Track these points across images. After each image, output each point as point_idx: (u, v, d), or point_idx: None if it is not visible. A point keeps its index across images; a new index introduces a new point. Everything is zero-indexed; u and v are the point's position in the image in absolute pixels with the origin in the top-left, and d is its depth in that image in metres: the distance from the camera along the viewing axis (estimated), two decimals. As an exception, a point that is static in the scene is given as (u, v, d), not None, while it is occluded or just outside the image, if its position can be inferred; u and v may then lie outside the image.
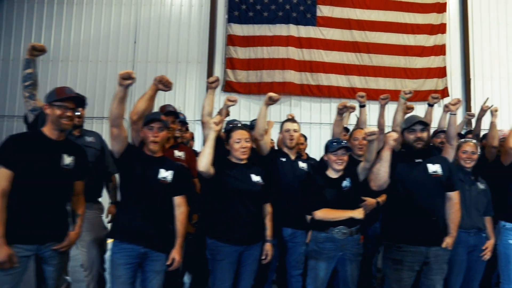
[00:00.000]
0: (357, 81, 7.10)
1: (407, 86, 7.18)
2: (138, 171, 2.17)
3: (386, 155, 2.28)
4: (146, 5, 7.11)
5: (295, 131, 2.90)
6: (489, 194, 2.81)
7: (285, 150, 2.93)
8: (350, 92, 6.92)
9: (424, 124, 2.42)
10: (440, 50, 7.33)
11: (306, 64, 7.05)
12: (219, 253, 2.32)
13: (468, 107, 7.33)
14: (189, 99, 6.98)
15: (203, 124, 2.76)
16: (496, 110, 4.06)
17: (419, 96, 7.15)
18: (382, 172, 2.29)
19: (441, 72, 7.30)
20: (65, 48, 7.01)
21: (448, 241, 2.38)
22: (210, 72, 6.92)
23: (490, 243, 2.76)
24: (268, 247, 2.49)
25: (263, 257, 2.48)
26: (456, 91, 7.45)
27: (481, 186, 2.80)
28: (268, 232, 2.50)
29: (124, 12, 7.04)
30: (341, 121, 3.04)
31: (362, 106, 3.59)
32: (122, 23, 7.03)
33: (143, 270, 2.19)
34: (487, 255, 2.72)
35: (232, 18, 7.00)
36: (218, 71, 6.99)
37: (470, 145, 2.76)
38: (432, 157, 2.50)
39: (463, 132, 4.51)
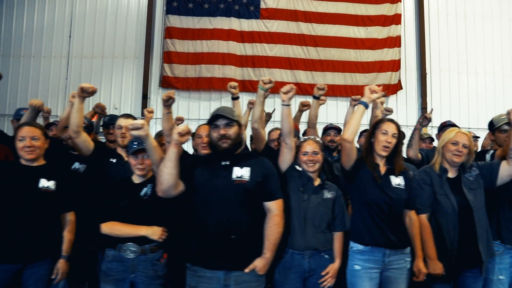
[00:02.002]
0: (303, 76, 6.72)
1: (358, 80, 6.84)
2: None
3: (171, 153, 1.82)
4: (82, -2, 6.81)
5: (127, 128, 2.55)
6: (339, 204, 2.28)
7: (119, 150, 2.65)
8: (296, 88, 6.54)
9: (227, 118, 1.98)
10: (394, 41, 6.93)
11: (248, 59, 6.69)
12: None
13: (423, 103, 6.92)
14: (126, 95, 6.65)
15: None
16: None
17: (370, 91, 6.80)
18: (164, 174, 1.82)
19: (395, 66, 6.89)
20: (-3, 43, 6.75)
21: (256, 264, 1.91)
22: (147, 68, 6.60)
23: (333, 267, 2.18)
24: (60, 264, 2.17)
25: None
26: (411, 86, 7.06)
27: (327, 195, 2.27)
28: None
29: (58, 5, 6.74)
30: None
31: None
32: (56, 17, 6.72)
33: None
34: (328, 282, 2.15)
35: (170, 10, 6.67)
36: (156, 67, 6.67)
37: (311, 144, 2.29)
38: (252, 159, 2.04)
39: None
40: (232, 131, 2.00)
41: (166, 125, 2.51)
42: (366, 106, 2.15)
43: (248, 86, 6.64)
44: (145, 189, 2.13)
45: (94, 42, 6.70)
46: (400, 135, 2.26)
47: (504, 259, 2.35)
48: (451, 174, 2.29)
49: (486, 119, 3.14)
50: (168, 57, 6.57)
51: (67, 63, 6.65)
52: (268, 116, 5.10)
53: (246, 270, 1.90)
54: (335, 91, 6.77)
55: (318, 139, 2.40)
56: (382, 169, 2.23)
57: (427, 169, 2.34)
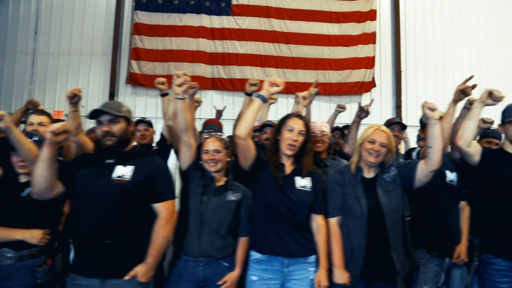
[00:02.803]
0: (274, 74, 6.56)
1: (331, 78, 6.70)
2: None
3: (44, 153, 1.67)
4: (49, -7, 6.64)
5: None
6: (245, 206, 2.10)
7: None
8: (266, 86, 6.40)
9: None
10: (369, 38, 6.77)
11: (219, 56, 6.53)
12: None
13: (398, 101, 6.78)
14: (93, 93, 6.49)
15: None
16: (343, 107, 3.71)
17: (344, 88, 6.68)
18: (36, 175, 1.70)
19: (369, 63, 6.74)
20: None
21: (137, 271, 1.78)
22: (114, 65, 6.45)
23: (231, 276, 2.01)
24: None
25: None
26: (386, 84, 6.92)
27: (231, 197, 2.10)
28: None
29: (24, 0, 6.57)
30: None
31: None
32: (22, 12, 6.56)
33: None
34: None
35: (139, 5, 6.49)
36: (124, 64, 6.52)
37: (214, 142, 2.13)
38: (141, 157, 1.92)
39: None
40: (117, 127, 1.88)
41: (71, 123, 2.34)
42: (264, 100, 1.94)
43: (218, 84, 6.50)
44: (28, 189, 1.92)
45: (61, 39, 6.54)
46: (309, 132, 2.07)
47: (429, 268, 2.19)
48: (368, 175, 2.10)
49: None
50: (136, 53, 6.41)
51: (32, 60, 6.49)
52: (219, 114, 4.98)
53: (126, 278, 1.77)
54: (307, 89, 6.55)
55: (223, 136, 2.23)
56: (288, 169, 2.06)
57: (342, 168, 2.16)
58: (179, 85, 2.01)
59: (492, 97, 2.14)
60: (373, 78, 6.74)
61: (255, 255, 1.99)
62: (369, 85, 6.72)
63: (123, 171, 1.84)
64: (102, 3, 6.63)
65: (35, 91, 6.37)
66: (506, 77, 7.08)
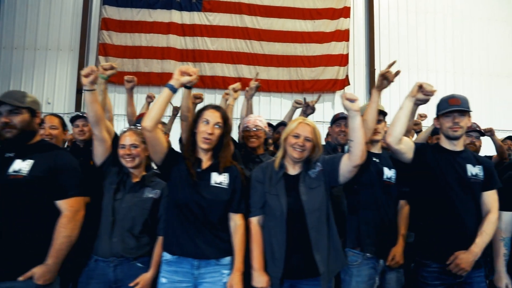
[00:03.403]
0: (245, 71, 6.47)
1: (303, 75, 6.62)
2: None
3: None
4: (14, -14, 6.45)
5: None
6: (165, 204, 1.98)
7: None
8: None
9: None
10: (342, 35, 6.71)
11: (189, 53, 6.41)
12: None
13: (372, 100, 6.73)
14: (60, 90, 6.32)
15: None
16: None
17: (317, 86, 6.60)
18: None
19: (343, 60, 6.68)
20: None
21: (34, 272, 1.66)
22: (82, 61, 6.28)
23: (144, 277, 1.87)
24: None
25: None
26: (359, 82, 6.87)
27: (148, 194, 1.98)
28: None
29: (-13, -7, 6.38)
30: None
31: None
32: (-16, 6, 6.37)
33: None
34: None
35: (107, 0, 6.35)
36: (92, 60, 6.36)
37: (131, 136, 2.00)
38: (45, 151, 1.80)
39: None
40: (18, 119, 1.78)
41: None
42: (173, 90, 1.81)
43: (188, 81, 6.38)
44: None
45: (26, 33, 6.36)
46: (227, 125, 1.94)
47: (362, 271, 2.06)
48: (293, 171, 1.97)
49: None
50: (104, 49, 6.26)
51: (-4, 55, 6.30)
52: (176, 110, 4.83)
53: (20, 279, 1.66)
54: (279, 86, 6.55)
55: (136, 130, 2.09)
56: (205, 164, 1.93)
57: (265, 165, 2.03)
58: (86, 76, 1.89)
59: (423, 91, 2.05)
60: (347, 76, 6.68)
61: (165, 256, 1.87)
62: (342, 83, 6.65)
63: (20, 166, 1.73)
64: (70, -3, 6.47)
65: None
66: (481, 77, 7.08)
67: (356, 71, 6.83)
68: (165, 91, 1.81)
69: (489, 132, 3.57)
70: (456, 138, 2.13)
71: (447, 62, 7.05)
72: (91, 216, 1.90)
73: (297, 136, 1.92)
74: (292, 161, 1.97)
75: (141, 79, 6.28)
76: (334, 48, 6.66)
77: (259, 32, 6.56)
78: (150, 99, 3.78)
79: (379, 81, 2.14)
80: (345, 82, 6.66)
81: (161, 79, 6.18)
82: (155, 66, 6.30)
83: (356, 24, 6.89)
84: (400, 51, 6.87)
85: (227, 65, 6.45)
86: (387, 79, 2.10)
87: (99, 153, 2.02)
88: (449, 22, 7.10)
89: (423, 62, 6.97)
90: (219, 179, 1.89)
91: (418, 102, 2.12)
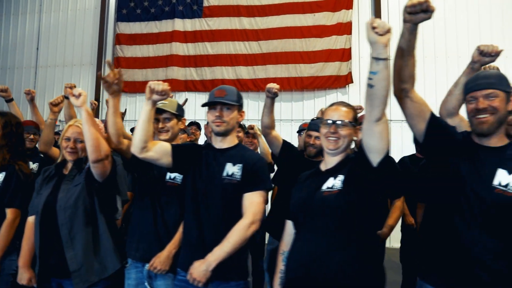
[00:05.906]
0: (244, 72, 6.59)
1: (302, 71, 6.48)
2: None
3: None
4: (48, 12, 7.43)
5: None
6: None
7: None
8: (236, 85, 6.44)
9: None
10: (344, 28, 6.39)
11: (191, 58, 6.75)
12: None
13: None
14: (84, 100, 7.16)
15: None
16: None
17: (316, 82, 6.44)
18: None
19: (345, 55, 6.37)
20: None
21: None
22: (100, 74, 7.03)
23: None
24: None
25: None
26: (364, 79, 6.49)
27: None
28: None
29: (29, 20, 7.45)
30: None
31: None
32: (27, 31, 7.45)
33: None
34: None
35: (120, 17, 6.98)
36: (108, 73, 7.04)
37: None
38: None
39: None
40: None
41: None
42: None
43: (190, 86, 6.73)
44: None
45: (57, 52, 7.32)
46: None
47: (130, 274, 1.95)
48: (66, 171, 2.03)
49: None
50: (118, 62, 6.92)
51: (35, 73, 7.36)
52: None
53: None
54: (277, 84, 6.52)
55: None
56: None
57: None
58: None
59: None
60: (350, 72, 6.36)
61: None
62: (345, 79, 6.36)
63: None
64: (90, 17, 7.24)
65: (36, 103, 7.23)
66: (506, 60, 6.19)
67: (362, 66, 6.46)
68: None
69: None
70: None
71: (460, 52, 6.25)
72: None
73: (68, 139, 1.98)
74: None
75: (149, 87, 6.82)
76: (335, 42, 6.40)
77: (257, 32, 6.59)
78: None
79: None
80: (347, 79, 6.35)
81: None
82: (160, 74, 6.78)
83: (361, 15, 6.49)
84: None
85: (226, 67, 6.64)
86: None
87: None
88: (461, 12, 6.28)
89: (430, 53, 6.27)
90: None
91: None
